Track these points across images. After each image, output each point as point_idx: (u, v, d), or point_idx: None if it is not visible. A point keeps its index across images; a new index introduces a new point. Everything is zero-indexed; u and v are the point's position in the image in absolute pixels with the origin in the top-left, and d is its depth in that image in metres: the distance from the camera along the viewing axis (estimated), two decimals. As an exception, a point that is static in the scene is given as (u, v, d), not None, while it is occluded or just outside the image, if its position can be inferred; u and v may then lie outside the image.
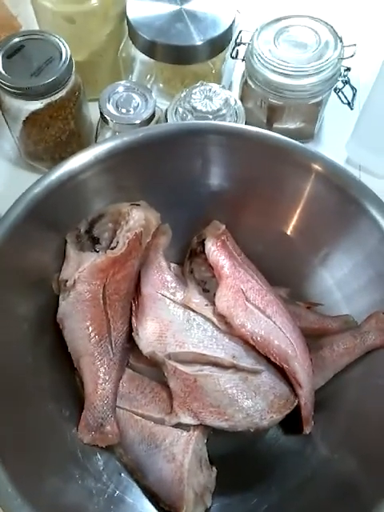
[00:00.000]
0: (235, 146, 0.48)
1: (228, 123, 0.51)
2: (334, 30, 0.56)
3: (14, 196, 0.45)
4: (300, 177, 0.47)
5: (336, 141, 0.63)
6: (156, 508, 0.41)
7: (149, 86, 0.63)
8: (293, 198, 0.48)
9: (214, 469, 0.42)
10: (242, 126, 0.49)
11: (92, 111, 0.61)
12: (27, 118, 0.56)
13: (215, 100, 0.53)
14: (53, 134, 0.58)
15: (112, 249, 0.46)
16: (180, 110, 0.53)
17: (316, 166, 0.46)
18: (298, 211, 0.49)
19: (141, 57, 0.61)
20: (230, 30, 0.58)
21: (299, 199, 0.48)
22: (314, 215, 0.48)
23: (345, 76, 0.57)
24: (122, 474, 0.43)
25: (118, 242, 0.47)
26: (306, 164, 0.46)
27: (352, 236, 0.46)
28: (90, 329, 0.45)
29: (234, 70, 0.66)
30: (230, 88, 0.66)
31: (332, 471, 0.41)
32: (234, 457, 0.44)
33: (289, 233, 0.50)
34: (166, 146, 0.48)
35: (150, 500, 0.42)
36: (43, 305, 0.46)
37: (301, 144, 0.47)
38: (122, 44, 0.62)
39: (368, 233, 0.45)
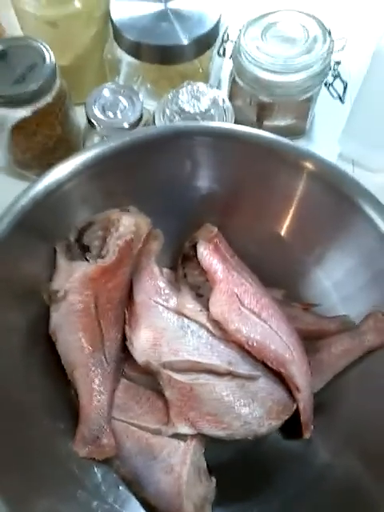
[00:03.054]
0: (224, 146, 0.47)
1: (215, 123, 0.50)
2: (323, 24, 0.55)
3: (5, 205, 0.44)
4: (291, 176, 0.46)
5: (328, 136, 0.62)
6: (155, 521, 0.41)
7: (136, 88, 0.62)
8: (285, 197, 0.47)
9: (213, 479, 0.42)
10: (229, 125, 0.47)
11: (80, 115, 0.60)
12: (14, 126, 0.55)
13: (203, 100, 0.51)
14: (40, 140, 0.57)
15: (102, 257, 0.46)
16: (167, 111, 0.52)
17: (307, 164, 0.45)
18: (291, 211, 0.48)
19: (127, 58, 0.60)
20: (216, 27, 0.57)
21: (292, 199, 0.47)
22: (308, 215, 0.47)
23: (335, 70, 0.56)
24: (120, 488, 0.42)
25: (108, 251, 0.46)
26: (297, 162, 0.45)
27: (347, 235, 0.45)
28: (83, 340, 0.44)
29: (222, 67, 0.65)
30: (218, 86, 0.65)
31: (335, 476, 0.40)
32: (233, 464, 0.44)
33: (282, 233, 0.49)
34: (154, 150, 0.47)
35: (149, 513, 0.41)
36: (35, 316, 0.45)
37: (290, 142, 0.45)
38: (107, 46, 0.61)
39: (363, 232, 0.44)
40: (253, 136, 0.46)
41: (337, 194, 0.45)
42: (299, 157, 0.45)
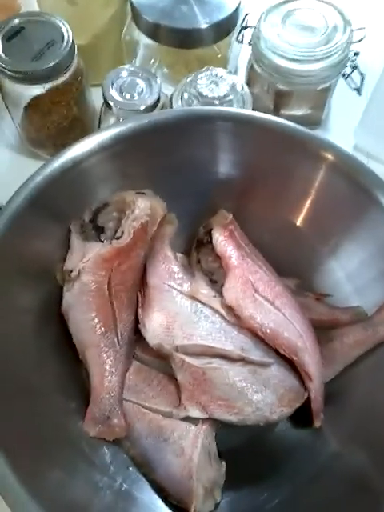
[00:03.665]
0: (243, 133, 0.47)
1: (236, 109, 0.49)
2: (343, 14, 0.54)
3: (16, 183, 0.44)
4: (310, 166, 0.46)
5: (344, 127, 0.62)
6: (164, 502, 0.41)
7: (153, 71, 0.62)
8: (303, 187, 0.47)
9: (224, 463, 0.42)
10: (250, 112, 0.47)
11: (95, 97, 0.60)
12: (29, 103, 0.55)
13: (222, 85, 0.51)
14: (55, 119, 0.56)
15: (117, 239, 0.46)
16: (185, 95, 0.52)
17: (327, 155, 0.45)
18: (308, 201, 0.48)
19: (144, 40, 0.60)
20: (235, 12, 0.56)
21: (309, 188, 0.47)
22: (325, 205, 0.47)
23: (353, 61, 0.56)
24: (130, 468, 0.42)
25: (123, 232, 0.46)
26: (317, 153, 0.45)
27: (363, 227, 0.45)
28: (96, 320, 0.44)
29: (240, 54, 0.65)
30: (235, 73, 0.65)
31: (343, 465, 0.41)
32: (243, 450, 0.44)
33: (298, 223, 0.49)
34: (173, 133, 0.47)
35: (158, 494, 0.41)
36: (47, 296, 0.45)
37: (311, 132, 0.45)
38: (125, 27, 0.60)
39: (380, 224, 0.44)
40: (274, 123, 0.46)
41: (354, 186, 0.45)
42: (319, 147, 0.45)
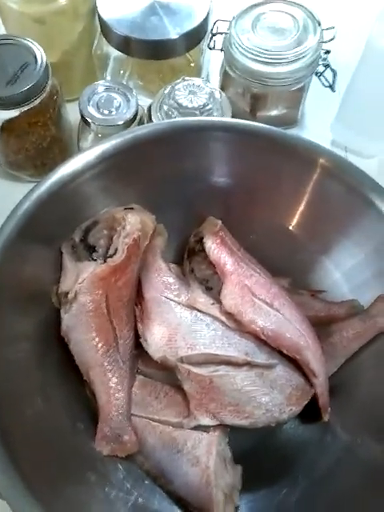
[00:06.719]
0: (228, 141, 0.47)
1: (220, 118, 0.50)
2: (312, 14, 0.55)
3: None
4: (302, 171, 0.47)
5: (320, 123, 0.63)
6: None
7: (124, 82, 0.62)
8: (294, 192, 0.48)
9: (239, 466, 0.42)
10: (236, 120, 0.47)
11: (70, 112, 0.60)
12: (3, 126, 0.54)
13: (200, 95, 0.52)
14: (33, 141, 0.56)
15: (110, 256, 0.46)
16: (165, 107, 0.52)
17: (320, 159, 0.46)
18: (301, 205, 0.48)
19: (115, 53, 0.60)
20: (205, 20, 0.57)
21: (301, 193, 0.48)
22: (318, 208, 0.48)
23: (325, 59, 0.57)
24: (146, 482, 0.42)
25: (116, 249, 0.46)
26: (309, 157, 0.46)
27: (358, 228, 0.46)
28: (97, 339, 0.44)
29: (210, 60, 0.65)
30: (208, 78, 0.65)
31: (357, 457, 0.42)
32: (256, 451, 0.45)
33: (289, 226, 0.50)
34: (156, 146, 0.47)
35: (177, 504, 0.42)
36: (45, 320, 0.45)
37: (302, 137, 0.46)
38: (96, 41, 0.60)
39: (375, 225, 0.45)
40: (261, 130, 0.46)
41: (349, 190, 0.46)
42: (312, 152, 0.46)
